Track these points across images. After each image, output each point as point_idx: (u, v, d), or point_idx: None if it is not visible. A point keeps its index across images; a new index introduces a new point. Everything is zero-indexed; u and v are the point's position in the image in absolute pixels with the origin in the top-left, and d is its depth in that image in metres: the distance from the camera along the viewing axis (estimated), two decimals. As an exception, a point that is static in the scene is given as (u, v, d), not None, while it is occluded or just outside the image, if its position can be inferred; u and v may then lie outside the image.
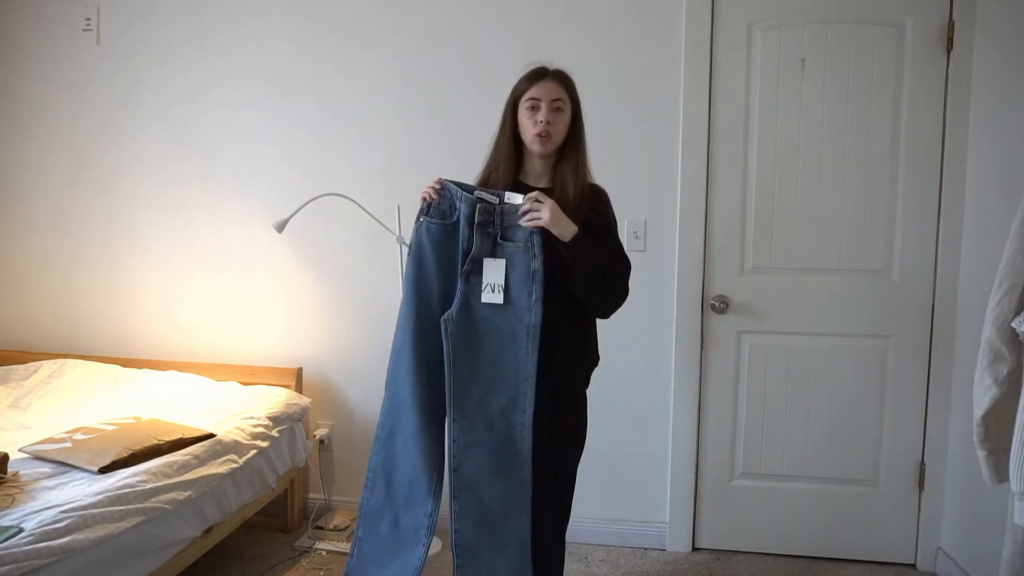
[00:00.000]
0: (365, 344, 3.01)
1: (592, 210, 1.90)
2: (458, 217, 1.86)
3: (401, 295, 1.97)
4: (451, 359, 1.85)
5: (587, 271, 1.83)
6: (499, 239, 1.84)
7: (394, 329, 2.85)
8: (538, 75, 1.90)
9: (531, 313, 1.81)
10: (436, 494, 1.90)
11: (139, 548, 1.97)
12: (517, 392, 1.84)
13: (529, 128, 1.88)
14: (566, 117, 1.89)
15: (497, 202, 1.83)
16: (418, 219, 1.90)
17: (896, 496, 2.73)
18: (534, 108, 1.87)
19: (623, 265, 1.93)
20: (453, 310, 1.85)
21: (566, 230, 1.79)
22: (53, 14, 3.16)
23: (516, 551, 1.86)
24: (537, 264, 1.80)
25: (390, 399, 1.99)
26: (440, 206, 1.88)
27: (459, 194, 1.86)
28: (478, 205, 1.83)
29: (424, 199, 1.90)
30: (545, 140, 1.86)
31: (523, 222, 1.79)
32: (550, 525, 1.96)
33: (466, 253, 1.84)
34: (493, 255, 1.84)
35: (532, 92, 1.87)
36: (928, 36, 2.56)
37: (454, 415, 1.86)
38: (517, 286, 1.82)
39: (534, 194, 1.81)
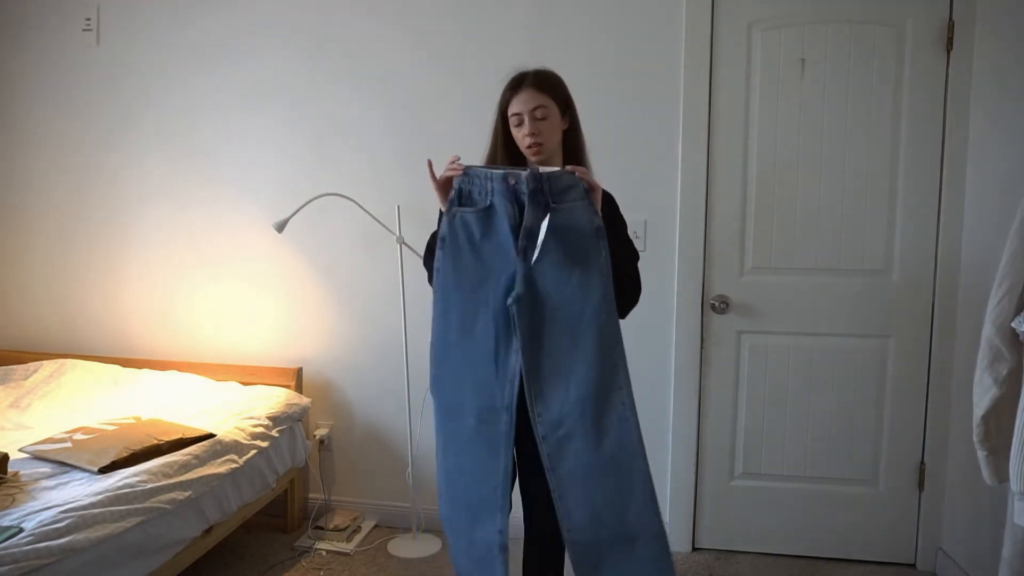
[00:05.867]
0: (365, 344, 3.01)
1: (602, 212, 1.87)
2: (491, 201, 1.70)
3: (434, 295, 1.78)
4: (526, 346, 1.67)
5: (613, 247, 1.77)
6: (552, 203, 1.67)
7: (392, 327, 2.89)
8: (516, 85, 1.86)
9: (603, 277, 1.67)
10: (502, 507, 1.73)
11: (139, 548, 1.97)
12: (604, 370, 1.68)
13: (521, 142, 1.87)
14: (553, 119, 1.85)
15: (528, 172, 1.69)
16: (450, 210, 1.73)
17: (896, 496, 2.73)
18: (520, 123, 1.85)
19: (634, 258, 1.93)
20: (518, 291, 1.67)
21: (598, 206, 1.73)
22: (53, 14, 3.16)
23: (647, 547, 1.68)
24: (599, 220, 1.68)
25: (437, 409, 1.81)
26: (470, 194, 1.72)
27: (488, 175, 1.70)
28: (524, 175, 1.67)
29: (447, 187, 1.73)
30: (538, 150, 1.85)
31: (577, 175, 1.68)
32: (553, 521, 1.96)
33: (515, 229, 1.68)
34: (541, 220, 1.66)
35: (513, 107, 1.85)
36: (928, 36, 2.56)
37: (537, 408, 1.70)
38: (581, 246, 1.67)
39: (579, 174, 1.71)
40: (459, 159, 1.76)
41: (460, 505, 1.80)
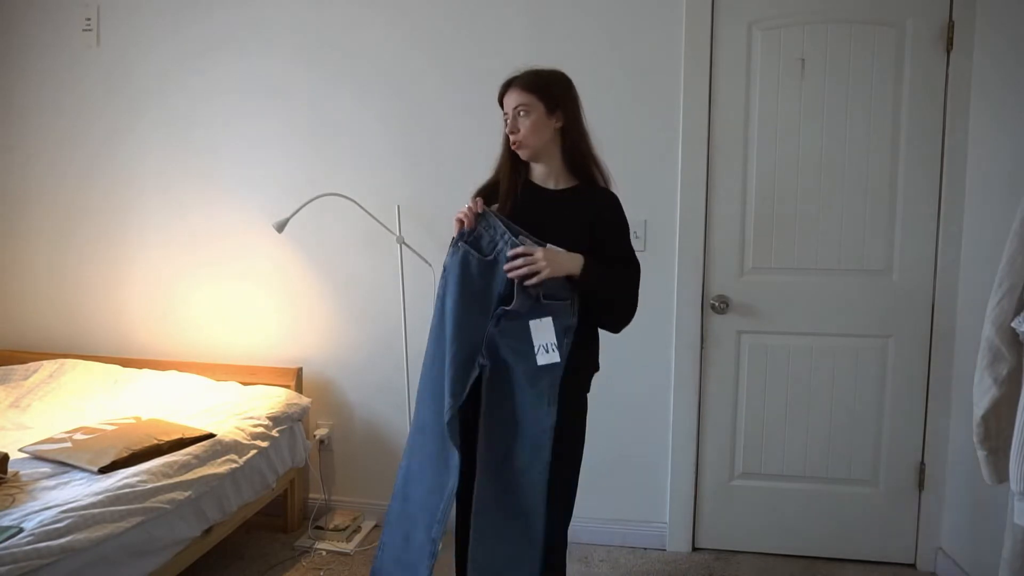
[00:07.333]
0: (365, 344, 3.01)
1: (601, 217, 1.90)
2: (496, 257, 1.81)
3: (433, 319, 1.89)
4: (485, 407, 1.83)
5: (603, 294, 1.87)
6: (542, 298, 1.79)
7: (392, 328, 2.89)
8: (503, 89, 1.92)
9: (557, 367, 1.79)
10: (442, 520, 1.86)
11: (139, 548, 1.97)
12: (536, 446, 1.80)
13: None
14: (536, 118, 1.87)
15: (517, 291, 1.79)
16: (456, 242, 1.83)
17: (896, 496, 2.73)
18: (506, 122, 1.92)
19: (634, 271, 1.95)
20: (484, 354, 1.81)
21: (573, 265, 1.80)
22: (53, 14, 3.16)
23: None
24: (573, 321, 1.80)
25: (414, 419, 1.96)
26: (480, 238, 1.83)
27: (504, 234, 1.80)
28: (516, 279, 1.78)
29: (461, 222, 1.83)
30: (520, 147, 1.89)
31: (527, 284, 1.75)
32: (554, 526, 1.96)
33: (501, 296, 1.80)
34: (536, 315, 1.78)
35: (504, 107, 1.92)
36: (928, 36, 2.56)
37: (482, 464, 1.84)
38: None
39: (519, 251, 1.77)
40: (477, 205, 1.84)
41: (410, 506, 1.94)
